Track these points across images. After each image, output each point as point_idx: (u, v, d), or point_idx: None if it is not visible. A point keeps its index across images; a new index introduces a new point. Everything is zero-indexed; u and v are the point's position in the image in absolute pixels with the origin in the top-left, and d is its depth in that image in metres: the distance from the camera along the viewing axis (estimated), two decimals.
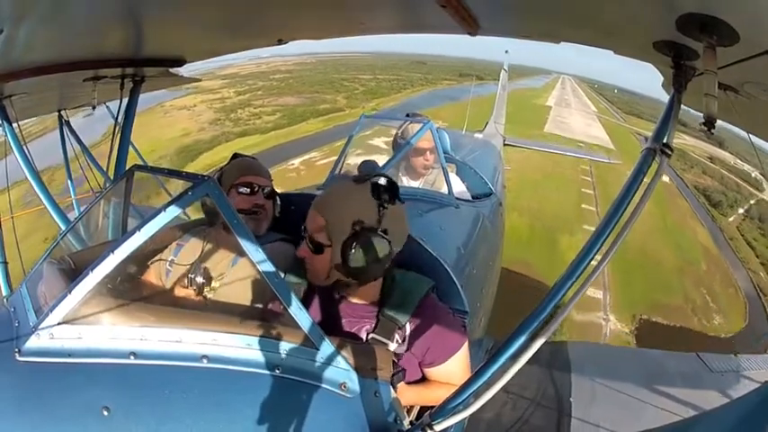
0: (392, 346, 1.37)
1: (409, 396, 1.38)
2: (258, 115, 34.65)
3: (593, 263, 1.09)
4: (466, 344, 1.50)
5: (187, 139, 27.79)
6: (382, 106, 41.03)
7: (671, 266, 15.14)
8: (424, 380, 1.48)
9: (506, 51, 11.22)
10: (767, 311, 15.57)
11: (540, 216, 16.91)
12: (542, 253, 14.41)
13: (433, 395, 1.44)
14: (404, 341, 1.39)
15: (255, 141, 27.72)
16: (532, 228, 16.62)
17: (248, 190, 1.80)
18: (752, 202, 30.03)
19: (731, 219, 27.64)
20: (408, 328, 1.40)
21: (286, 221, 1.88)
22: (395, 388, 1.25)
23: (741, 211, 28.32)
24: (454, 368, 1.45)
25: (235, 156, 1.99)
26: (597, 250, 1.11)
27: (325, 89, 48.63)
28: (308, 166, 23.18)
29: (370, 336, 1.38)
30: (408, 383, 1.39)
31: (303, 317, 1.15)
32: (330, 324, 1.40)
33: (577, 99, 74.33)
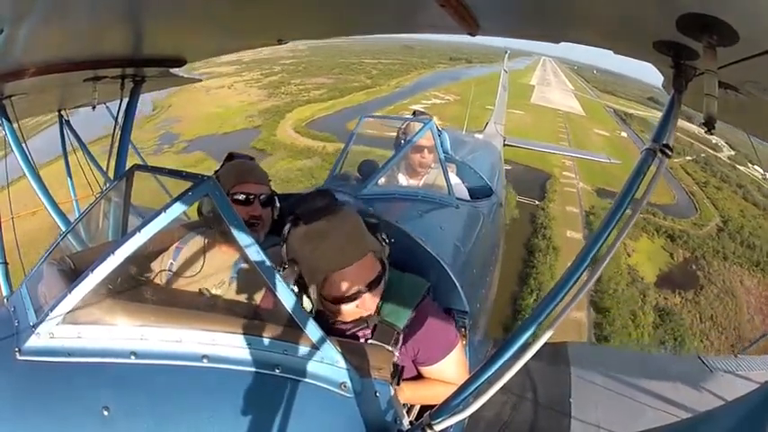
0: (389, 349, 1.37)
1: (405, 392, 1.38)
2: (306, 90, 41.64)
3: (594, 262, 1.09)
4: (460, 343, 1.51)
5: (259, 106, 34.62)
6: (403, 84, 51.03)
7: (617, 171, 20.02)
8: (419, 377, 1.49)
9: (506, 52, 11.25)
10: (694, 202, 25.38)
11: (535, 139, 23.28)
12: (536, 156, 20.34)
13: (430, 392, 1.45)
14: (397, 342, 1.40)
15: (323, 107, 35.27)
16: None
17: (244, 198, 1.74)
18: (702, 155, 35.72)
19: (676, 161, 34.04)
20: (403, 330, 1.41)
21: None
22: (396, 382, 1.25)
23: (688, 158, 34.22)
24: (448, 367, 1.46)
25: (230, 156, 1.93)
26: (598, 250, 1.11)
27: (344, 71, 54.92)
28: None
29: (369, 341, 1.38)
30: (404, 380, 1.39)
31: (303, 317, 1.15)
32: (328, 330, 1.40)
33: (557, 78, 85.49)
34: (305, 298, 1.29)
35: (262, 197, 1.79)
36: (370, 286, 1.32)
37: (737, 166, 34.87)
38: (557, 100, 54.18)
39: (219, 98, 36.45)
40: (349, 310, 1.33)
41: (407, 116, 3.22)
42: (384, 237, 1.44)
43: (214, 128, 28.45)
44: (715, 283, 17.11)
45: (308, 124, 31.16)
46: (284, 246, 1.33)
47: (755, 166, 32.43)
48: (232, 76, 47.14)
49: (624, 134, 40.45)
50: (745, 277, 18.09)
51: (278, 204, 1.87)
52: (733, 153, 38.33)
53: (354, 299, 1.31)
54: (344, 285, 1.29)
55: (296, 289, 1.26)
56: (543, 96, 54.82)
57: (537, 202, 19.41)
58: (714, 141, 38.76)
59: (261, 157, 23.10)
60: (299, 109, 34.25)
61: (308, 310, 1.29)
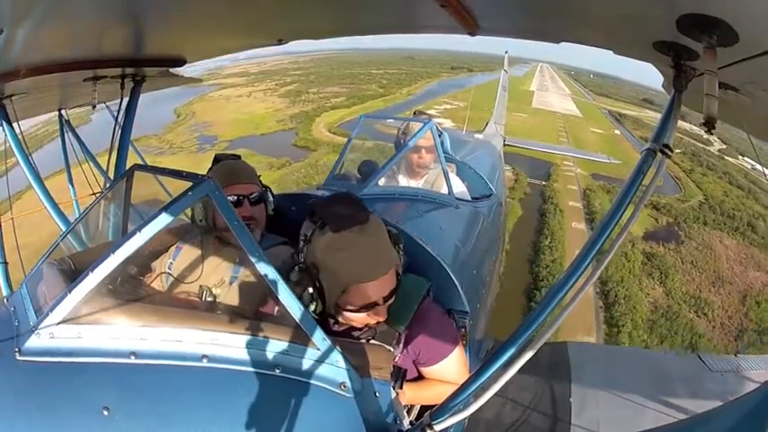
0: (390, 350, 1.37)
1: (406, 392, 1.38)
2: (326, 98, 44.85)
3: (593, 264, 1.09)
4: (460, 343, 1.51)
5: (286, 112, 38.24)
6: (415, 92, 55.10)
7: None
8: (420, 378, 1.49)
9: (506, 52, 11.26)
10: (680, 185, 28.16)
11: (537, 138, 26.74)
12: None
13: (430, 392, 1.45)
14: (398, 343, 1.39)
15: (347, 112, 38.48)
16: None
17: (234, 199, 1.71)
18: (691, 148, 37.74)
19: None
20: (405, 331, 1.41)
21: (286, 223, 1.88)
22: (399, 385, 1.25)
23: (677, 151, 36.21)
24: (448, 368, 1.46)
25: (216, 159, 1.88)
26: (597, 250, 1.11)
27: (355, 81, 58.54)
28: None
29: (370, 342, 1.37)
30: (405, 381, 1.39)
31: (304, 317, 1.15)
32: (331, 332, 1.40)
33: (555, 84, 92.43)
34: (315, 302, 1.25)
35: (252, 196, 1.76)
36: (387, 299, 1.30)
37: (725, 157, 36.85)
38: (555, 103, 59.34)
39: (241, 106, 40.27)
40: (360, 318, 1.32)
41: (407, 116, 3.22)
42: (402, 248, 1.41)
43: (249, 130, 31.72)
44: (695, 240, 19.45)
45: (339, 126, 34.06)
46: (305, 247, 1.28)
47: (745, 158, 34.02)
48: (245, 86, 51.29)
49: (617, 132, 44.94)
50: (725, 238, 19.93)
51: (271, 199, 1.85)
52: (724, 147, 40.53)
53: (370, 309, 1.29)
54: (365, 298, 1.26)
55: (311, 290, 1.23)
56: (543, 101, 59.89)
57: (544, 183, 24.95)
58: (705, 136, 40.72)
59: (306, 153, 27.63)
60: (326, 114, 38.03)
61: (316, 312, 1.26)
